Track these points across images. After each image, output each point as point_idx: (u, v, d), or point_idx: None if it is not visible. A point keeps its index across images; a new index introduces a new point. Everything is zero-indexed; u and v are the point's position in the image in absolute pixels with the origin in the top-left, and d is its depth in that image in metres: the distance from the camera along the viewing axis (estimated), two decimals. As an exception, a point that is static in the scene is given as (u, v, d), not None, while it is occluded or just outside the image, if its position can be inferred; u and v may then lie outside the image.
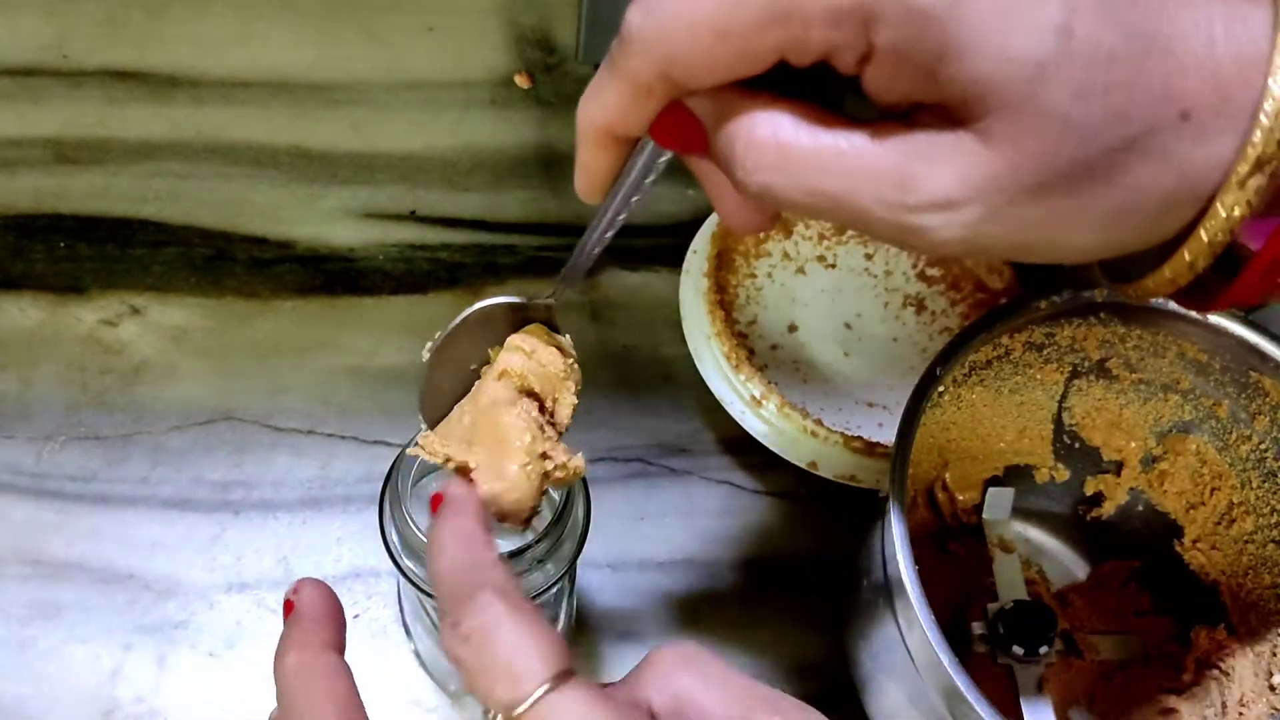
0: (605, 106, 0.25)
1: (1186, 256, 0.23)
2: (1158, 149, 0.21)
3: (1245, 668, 0.41)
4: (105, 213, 0.55)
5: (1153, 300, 0.37)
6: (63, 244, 0.53)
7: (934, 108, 0.22)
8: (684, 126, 0.25)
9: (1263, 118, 0.21)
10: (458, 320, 0.31)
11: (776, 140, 0.23)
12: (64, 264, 0.53)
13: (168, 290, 0.53)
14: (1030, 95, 0.21)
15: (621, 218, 0.28)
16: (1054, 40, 0.20)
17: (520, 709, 0.22)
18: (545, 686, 0.22)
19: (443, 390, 0.31)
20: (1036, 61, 0.21)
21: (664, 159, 0.27)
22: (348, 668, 0.26)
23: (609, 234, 0.29)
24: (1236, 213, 0.22)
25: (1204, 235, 0.22)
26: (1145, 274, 0.24)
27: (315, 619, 0.27)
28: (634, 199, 0.28)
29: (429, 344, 0.31)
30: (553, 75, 0.61)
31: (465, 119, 0.59)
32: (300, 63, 0.60)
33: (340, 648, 0.27)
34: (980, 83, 0.21)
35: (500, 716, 0.23)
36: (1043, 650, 0.40)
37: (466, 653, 0.23)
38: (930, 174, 0.22)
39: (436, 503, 0.28)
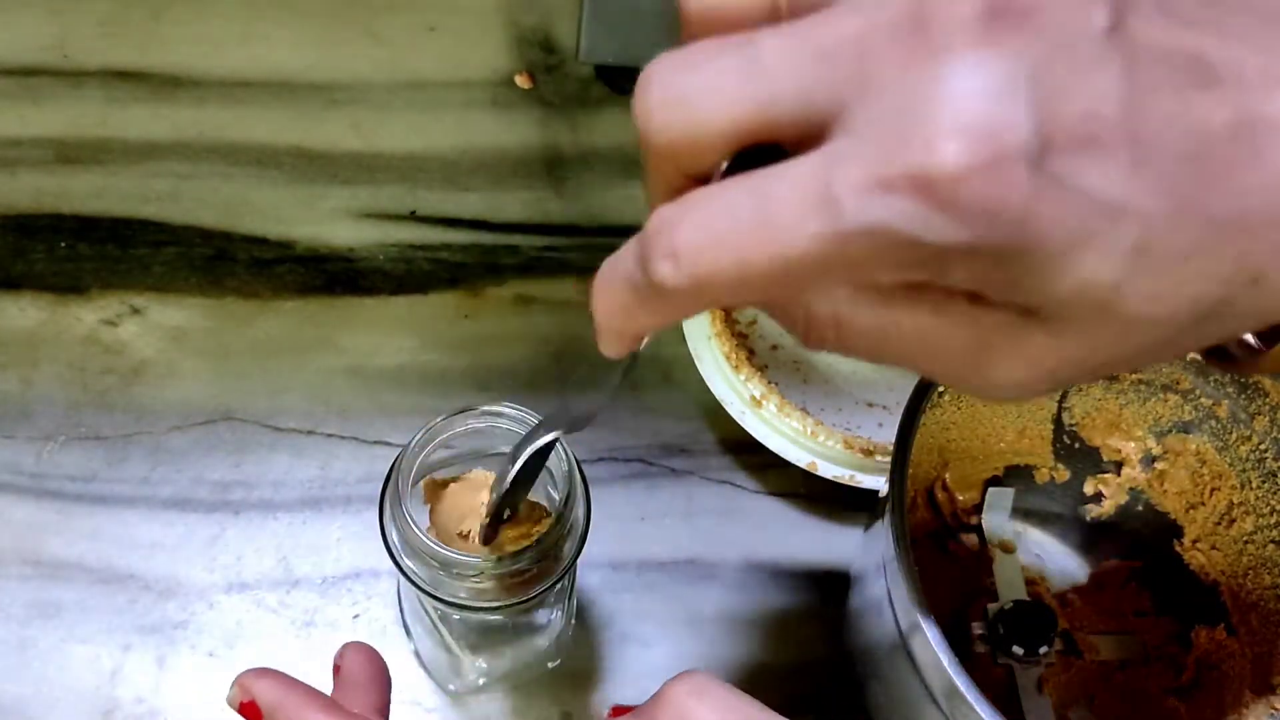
0: (632, 324, 0.23)
1: None
2: (1229, 314, 0.21)
3: (1245, 668, 0.41)
4: (106, 213, 0.55)
5: None
6: (63, 244, 0.54)
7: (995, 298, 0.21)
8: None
9: None
10: (527, 453, 0.30)
11: (835, 318, 0.22)
12: (64, 264, 0.53)
13: (168, 290, 0.53)
14: (1106, 307, 0.20)
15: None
16: (1129, 260, 0.19)
17: None
18: None
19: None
20: (1113, 283, 0.20)
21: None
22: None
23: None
24: None
25: None
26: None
27: (359, 684, 0.28)
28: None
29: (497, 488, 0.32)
30: (554, 75, 0.61)
31: (466, 119, 0.59)
32: (301, 63, 0.60)
33: (384, 710, 0.28)
34: (1056, 304, 0.20)
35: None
36: (1043, 650, 0.40)
37: None
38: (1001, 362, 0.21)
39: (336, 671, 0.30)
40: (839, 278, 0.20)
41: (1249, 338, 0.25)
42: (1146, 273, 0.20)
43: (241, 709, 0.27)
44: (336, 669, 0.29)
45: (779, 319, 0.23)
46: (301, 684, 0.27)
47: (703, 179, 0.20)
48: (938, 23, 0.18)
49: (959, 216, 0.18)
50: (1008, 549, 0.45)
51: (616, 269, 0.22)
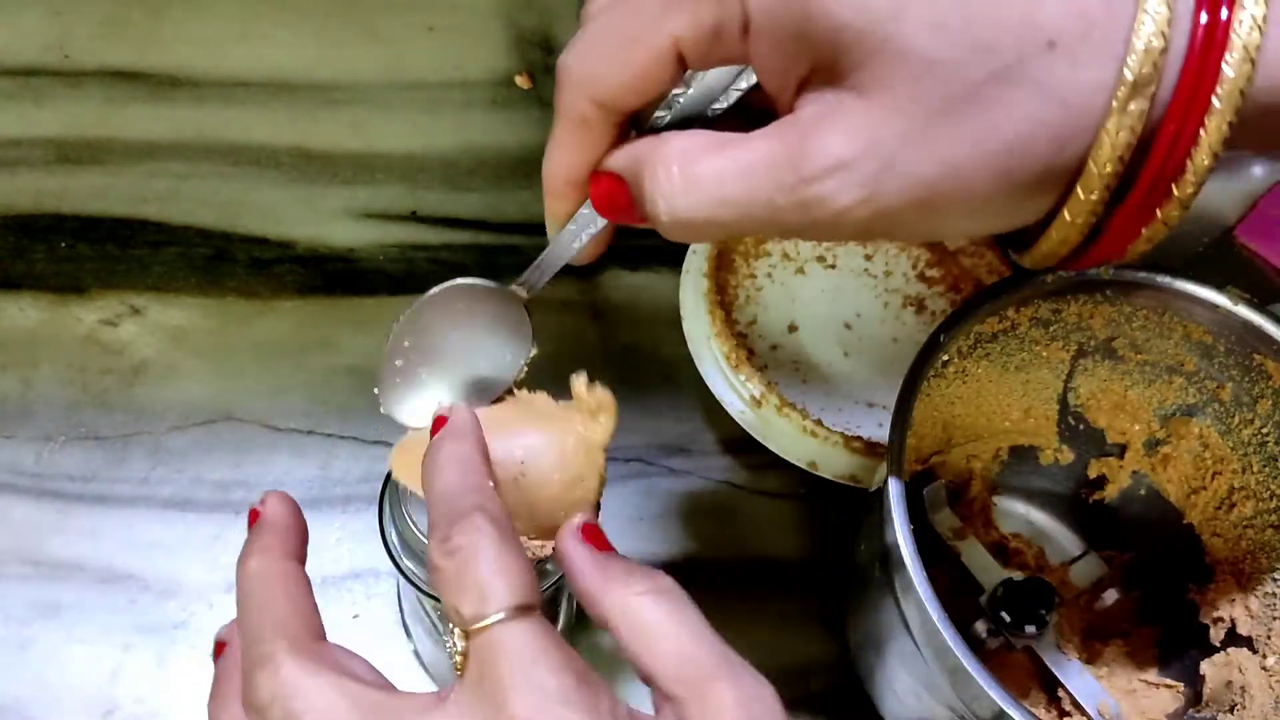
0: (559, 151, 0.27)
1: (1081, 194, 0.23)
2: (1031, 79, 0.21)
3: (1243, 655, 0.41)
4: (106, 213, 0.55)
5: (1159, 279, 0.38)
6: (63, 244, 0.54)
7: (815, 80, 0.23)
8: (613, 191, 0.27)
9: (1136, 40, 0.21)
10: (426, 296, 0.31)
11: (679, 168, 0.24)
12: (64, 264, 0.53)
13: (168, 290, 0.53)
14: (890, 37, 0.21)
15: (583, 239, 0.30)
16: None
17: (476, 625, 0.23)
18: (504, 613, 0.23)
19: (402, 369, 0.32)
20: (891, 2, 0.21)
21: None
22: (307, 578, 0.27)
23: (575, 245, 0.30)
24: (1121, 138, 0.22)
25: (1094, 167, 0.22)
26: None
27: (279, 529, 0.28)
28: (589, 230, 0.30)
29: (394, 322, 0.31)
30: (553, 76, 0.61)
31: (466, 119, 0.59)
32: (300, 63, 0.60)
33: (302, 559, 0.28)
34: (843, 31, 0.22)
35: (457, 631, 0.24)
36: (1053, 619, 0.40)
37: (448, 565, 0.24)
38: (819, 142, 0.23)
39: (438, 426, 0.29)
40: (675, 17, 0.23)
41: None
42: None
43: (250, 516, 0.28)
44: (254, 514, 0.29)
45: (640, 201, 0.26)
46: (290, 531, 0.28)
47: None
48: None
49: None
50: (962, 536, 0.45)
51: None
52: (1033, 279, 0.38)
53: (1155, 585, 0.45)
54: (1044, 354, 0.42)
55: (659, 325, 0.53)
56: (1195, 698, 0.42)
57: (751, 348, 0.52)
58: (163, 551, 0.46)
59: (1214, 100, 0.21)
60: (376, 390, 0.31)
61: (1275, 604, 0.41)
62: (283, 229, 0.55)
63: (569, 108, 0.26)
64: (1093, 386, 0.43)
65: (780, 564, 0.48)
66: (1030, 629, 0.40)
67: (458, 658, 0.24)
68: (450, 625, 0.24)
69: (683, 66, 0.25)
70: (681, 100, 0.26)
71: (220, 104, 0.58)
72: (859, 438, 0.46)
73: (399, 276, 0.54)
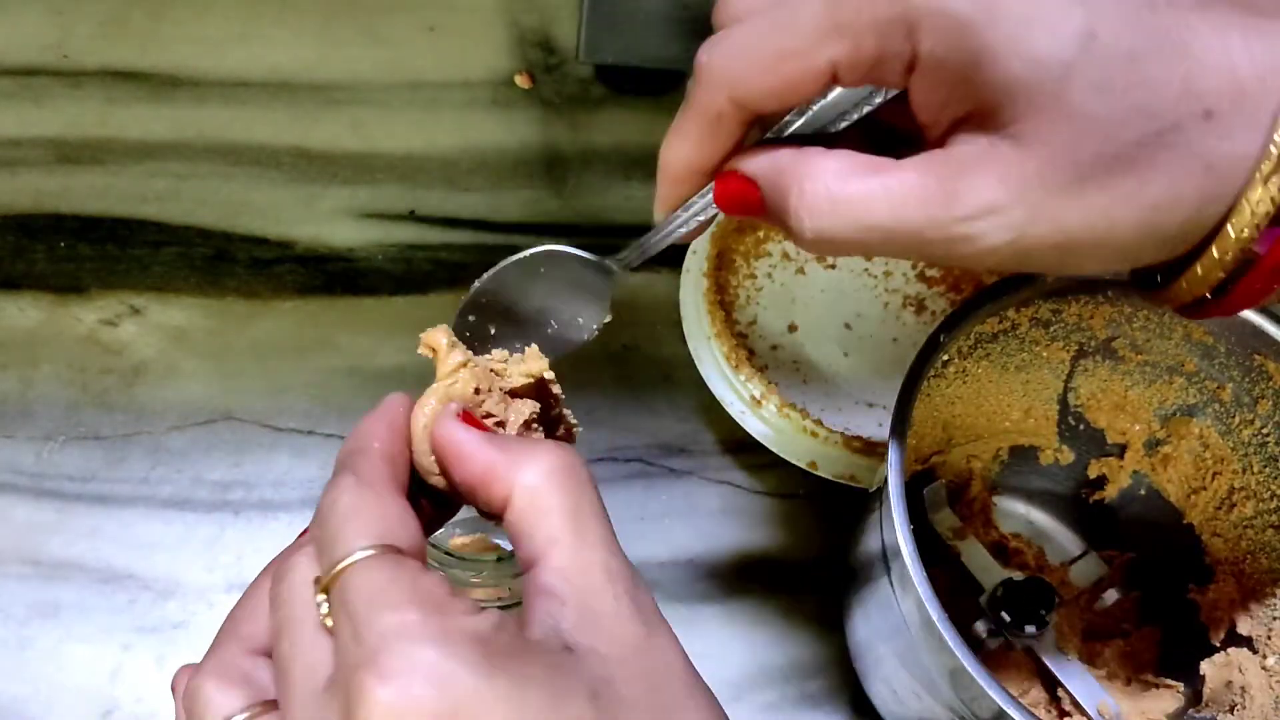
0: (685, 142, 0.27)
1: (1215, 254, 0.24)
2: (1184, 144, 0.22)
3: (1243, 655, 0.41)
4: (106, 213, 0.55)
5: None
6: (63, 244, 0.54)
7: (971, 122, 0.24)
8: (741, 190, 0.27)
9: None
10: (515, 257, 0.31)
11: (827, 188, 0.25)
12: (64, 264, 0.53)
13: (168, 290, 0.53)
14: (1056, 95, 0.22)
15: (691, 224, 0.30)
16: (1077, 43, 0.22)
17: (326, 575, 0.22)
18: (353, 556, 0.22)
19: (474, 324, 0.32)
20: (1062, 63, 0.22)
21: None
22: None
23: (681, 230, 0.30)
24: (1261, 209, 0.23)
25: (1231, 232, 0.23)
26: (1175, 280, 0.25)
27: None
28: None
29: (478, 280, 0.31)
30: (553, 75, 0.61)
31: (466, 119, 0.59)
32: (300, 63, 0.60)
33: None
34: (1012, 85, 0.22)
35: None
36: (1053, 619, 0.40)
37: (314, 529, 0.24)
38: (972, 185, 0.23)
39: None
40: (834, 44, 0.23)
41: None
42: (1094, 61, 0.22)
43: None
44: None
45: (777, 210, 0.26)
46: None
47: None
48: None
49: None
50: (962, 536, 0.45)
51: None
52: (1032, 279, 0.38)
53: (1155, 585, 0.45)
54: (1044, 354, 0.42)
55: (659, 325, 0.53)
56: (1195, 698, 0.42)
57: (751, 348, 0.52)
58: (163, 551, 0.46)
59: None
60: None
61: (1275, 604, 0.41)
62: (283, 229, 0.55)
63: (706, 104, 0.26)
64: (1093, 386, 0.43)
65: (780, 564, 0.48)
66: (1030, 629, 0.40)
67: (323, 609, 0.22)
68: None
69: (832, 84, 0.25)
70: (814, 109, 0.26)
71: (220, 104, 0.58)
72: (859, 438, 0.46)
73: (398, 276, 0.54)
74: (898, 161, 0.25)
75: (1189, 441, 0.42)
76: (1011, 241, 0.24)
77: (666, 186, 0.28)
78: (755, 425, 0.47)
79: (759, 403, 0.47)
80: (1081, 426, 0.45)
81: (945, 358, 0.40)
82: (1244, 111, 0.22)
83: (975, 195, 0.23)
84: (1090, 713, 0.40)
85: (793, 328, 0.53)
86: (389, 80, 0.60)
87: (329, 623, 0.22)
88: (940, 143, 0.25)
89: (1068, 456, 0.46)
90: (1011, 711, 0.30)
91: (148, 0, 0.61)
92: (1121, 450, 0.45)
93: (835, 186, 0.25)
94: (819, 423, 0.47)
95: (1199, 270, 0.24)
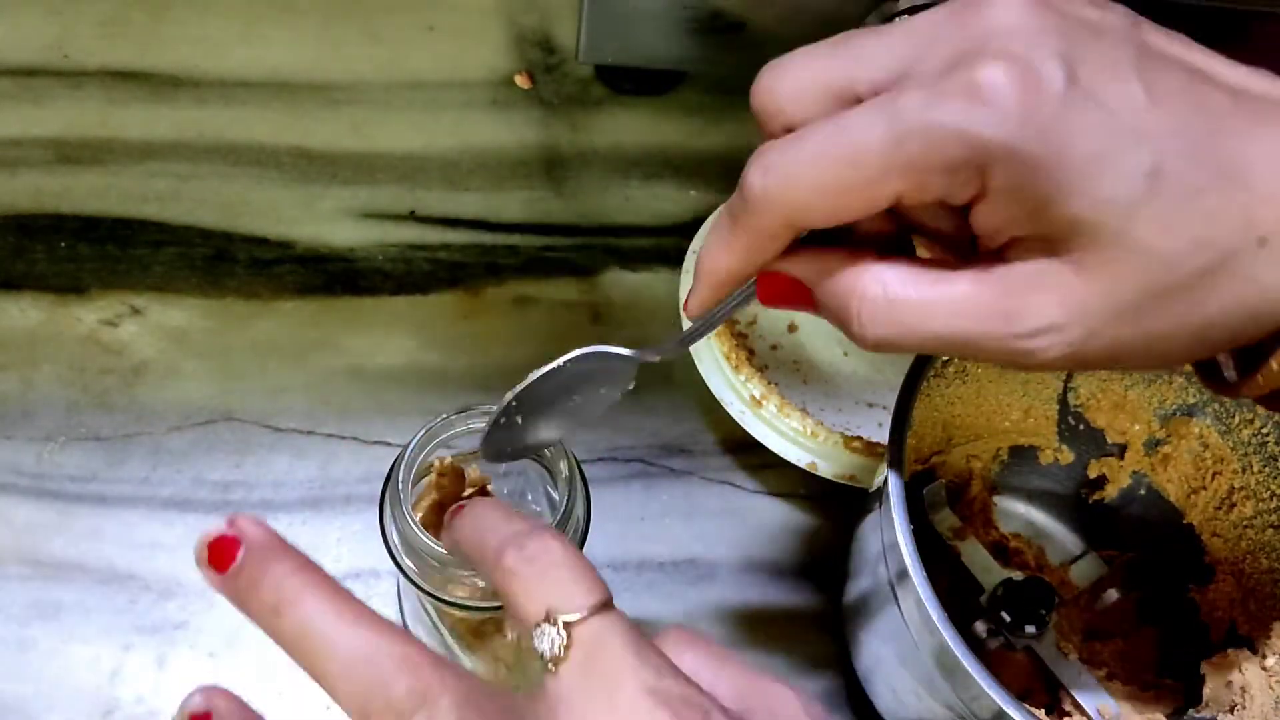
0: (731, 256, 0.27)
1: (1275, 365, 0.25)
2: (1240, 272, 0.24)
3: (1243, 655, 0.41)
4: (106, 213, 0.55)
5: None
6: (63, 244, 0.54)
7: (1031, 242, 0.25)
8: (789, 289, 0.28)
9: None
10: (555, 364, 0.31)
11: (886, 297, 0.26)
12: (64, 264, 0.53)
13: (168, 290, 0.53)
14: (1123, 231, 0.23)
15: (729, 314, 0.30)
16: (1144, 184, 0.23)
17: (576, 617, 0.23)
18: (600, 606, 0.24)
19: (512, 429, 0.32)
20: (1129, 203, 0.23)
21: None
22: None
23: (718, 324, 0.31)
24: None
25: None
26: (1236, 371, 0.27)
27: None
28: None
29: (519, 386, 0.31)
30: (553, 75, 0.61)
31: (465, 119, 0.59)
32: (300, 63, 0.60)
33: None
34: (1079, 221, 0.23)
35: (546, 628, 0.23)
36: (1053, 619, 0.40)
37: (530, 569, 0.24)
38: (1032, 305, 0.24)
39: (455, 513, 0.29)
40: (900, 181, 0.24)
41: (1230, 372, 0.28)
42: (1159, 198, 0.23)
43: (215, 547, 0.24)
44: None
45: (836, 314, 0.27)
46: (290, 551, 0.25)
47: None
48: (984, 8, 0.24)
49: (999, 113, 0.22)
50: (963, 536, 0.45)
51: (721, 213, 0.27)
52: None
53: (1155, 585, 0.45)
54: (1044, 354, 0.42)
55: (659, 325, 0.53)
56: (1195, 698, 0.42)
57: (751, 348, 0.52)
58: (163, 551, 0.46)
59: None
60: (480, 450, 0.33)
61: (1275, 604, 0.41)
62: (283, 229, 0.55)
63: (760, 226, 0.26)
64: (1092, 386, 0.43)
65: (780, 564, 0.48)
66: (1030, 629, 0.40)
67: (558, 649, 0.23)
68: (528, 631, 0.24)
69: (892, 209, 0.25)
70: None
71: (221, 104, 0.58)
72: (859, 438, 0.46)
73: (399, 276, 0.54)
74: (954, 272, 0.25)
75: (1189, 441, 0.42)
76: (1067, 356, 0.25)
77: (707, 291, 0.29)
78: (755, 425, 0.47)
79: (759, 403, 0.47)
80: (1081, 426, 0.45)
81: (945, 357, 0.40)
82: None
83: (1036, 315, 0.24)
84: (1090, 713, 0.40)
85: (793, 328, 0.53)
86: (389, 80, 0.60)
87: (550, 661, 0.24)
88: (997, 253, 0.25)
89: (1068, 456, 0.46)
90: (1011, 711, 0.30)
91: (148, 0, 0.61)
92: (1121, 450, 0.45)
93: (896, 295, 0.25)
94: (819, 423, 0.47)
95: (1260, 380, 0.26)
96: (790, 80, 0.26)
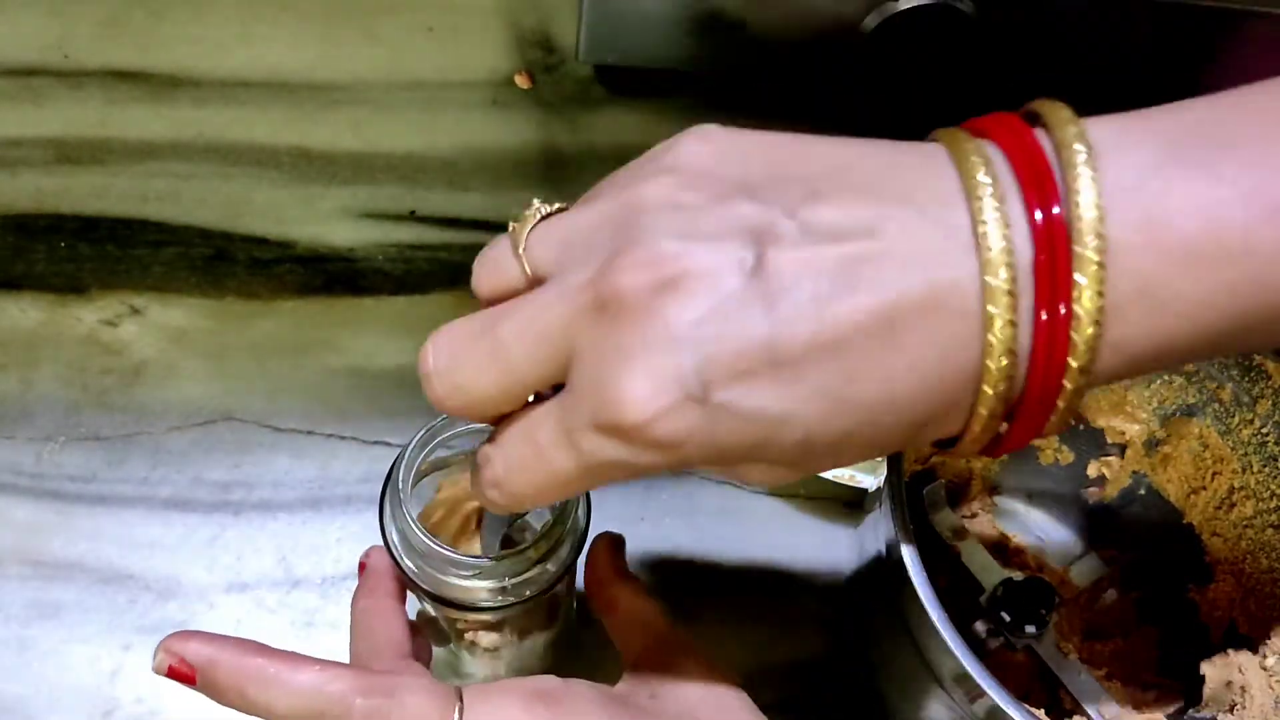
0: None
1: (983, 411, 0.24)
2: (896, 446, 0.25)
3: (1243, 655, 0.41)
4: (106, 213, 0.55)
5: None
6: (63, 244, 0.54)
7: None
8: None
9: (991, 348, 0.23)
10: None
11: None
12: (64, 264, 0.53)
13: (168, 290, 0.53)
14: (785, 475, 0.25)
15: None
16: (799, 450, 0.24)
17: None
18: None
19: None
20: (789, 464, 0.25)
21: None
22: (404, 612, 0.34)
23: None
24: (994, 406, 0.24)
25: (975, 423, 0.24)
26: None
27: (382, 573, 0.35)
28: None
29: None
30: (553, 75, 0.61)
31: (465, 119, 0.59)
32: (300, 63, 0.60)
33: (401, 599, 0.35)
34: (751, 479, 0.26)
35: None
36: (1053, 619, 0.40)
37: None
38: (746, 476, 0.26)
39: (361, 569, 0.36)
40: (605, 482, 0.26)
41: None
42: (815, 450, 0.24)
43: (170, 673, 0.28)
44: (362, 565, 0.36)
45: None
46: (231, 637, 0.29)
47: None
48: (614, 301, 0.23)
49: (654, 449, 0.23)
50: (963, 535, 0.45)
51: (475, 485, 0.28)
52: None
53: (1155, 585, 0.45)
54: (1044, 354, 0.42)
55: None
56: (1195, 698, 0.42)
57: (751, 348, 0.52)
58: (163, 551, 0.46)
59: (1064, 383, 0.23)
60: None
61: (1275, 604, 0.41)
62: (283, 229, 0.55)
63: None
64: (1092, 386, 0.43)
65: (780, 564, 0.48)
66: (1030, 629, 0.40)
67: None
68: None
69: None
70: None
71: (221, 104, 0.58)
72: (859, 438, 0.46)
73: (398, 276, 0.54)
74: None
75: (1189, 441, 0.42)
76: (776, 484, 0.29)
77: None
78: (755, 425, 0.47)
79: (759, 403, 0.47)
80: (1081, 426, 0.45)
81: None
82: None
83: (751, 480, 0.26)
84: (1090, 713, 0.40)
85: (793, 328, 0.53)
86: (389, 80, 0.60)
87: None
88: None
89: (1068, 456, 0.46)
90: (1011, 711, 0.30)
91: (148, 0, 0.61)
92: (1121, 450, 0.45)
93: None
94: (819, 423, 0.46)
95: (976, 427, 0.25)
96: (470, 394, 0.26)
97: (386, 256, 0.55)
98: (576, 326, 0.24)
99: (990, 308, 0.22)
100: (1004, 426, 0.25)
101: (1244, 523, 0.42)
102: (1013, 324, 0.22)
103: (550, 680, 0.29)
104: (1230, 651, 0.41)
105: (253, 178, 0.56)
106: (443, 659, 0.42)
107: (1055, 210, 0.22)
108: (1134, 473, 0.45)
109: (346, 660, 0.34)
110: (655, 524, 0.49)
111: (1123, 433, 0.44)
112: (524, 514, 0.36)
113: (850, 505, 0.49)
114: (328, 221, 0.55)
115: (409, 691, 0.27)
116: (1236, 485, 0.41)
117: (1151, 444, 0.44)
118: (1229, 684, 0.40)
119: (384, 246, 0.55)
